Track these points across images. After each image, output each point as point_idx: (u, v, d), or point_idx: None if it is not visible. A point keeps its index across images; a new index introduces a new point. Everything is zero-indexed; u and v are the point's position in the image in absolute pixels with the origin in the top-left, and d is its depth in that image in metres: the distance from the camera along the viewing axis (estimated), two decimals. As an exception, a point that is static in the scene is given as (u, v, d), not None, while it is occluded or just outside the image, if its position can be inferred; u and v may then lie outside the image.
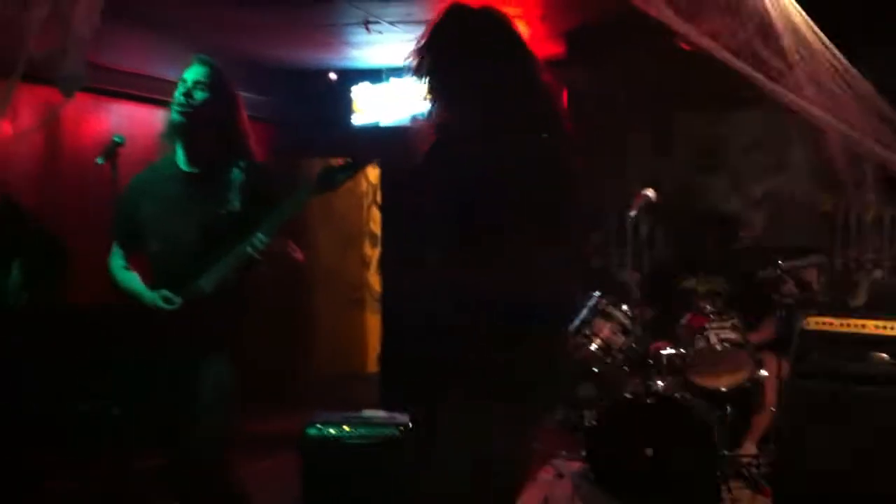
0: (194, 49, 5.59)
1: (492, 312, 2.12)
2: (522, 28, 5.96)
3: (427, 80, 2.29)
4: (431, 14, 5.59)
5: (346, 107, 7.13)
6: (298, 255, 3.31)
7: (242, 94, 3.38)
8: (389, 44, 6.11)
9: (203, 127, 3.18)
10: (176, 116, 3.16)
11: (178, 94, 3.17)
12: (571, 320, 2.20)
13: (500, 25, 2.32)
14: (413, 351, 2.29)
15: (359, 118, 7.12)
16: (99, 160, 3.31)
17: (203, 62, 3.25)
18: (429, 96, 2.29)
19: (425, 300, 2.25)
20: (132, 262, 3.38)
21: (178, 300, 3.14)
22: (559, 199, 2.23)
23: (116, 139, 3.36)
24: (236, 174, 3.20)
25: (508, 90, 2.24)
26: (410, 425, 3.89)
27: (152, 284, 3.24)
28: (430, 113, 2.31)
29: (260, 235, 3.04)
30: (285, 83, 7.28)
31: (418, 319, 2.29)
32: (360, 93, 7.13)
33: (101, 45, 3.08)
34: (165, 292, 3.16)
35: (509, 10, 5.50)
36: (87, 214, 4.91)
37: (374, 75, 7.05)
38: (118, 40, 5.32)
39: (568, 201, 2.26)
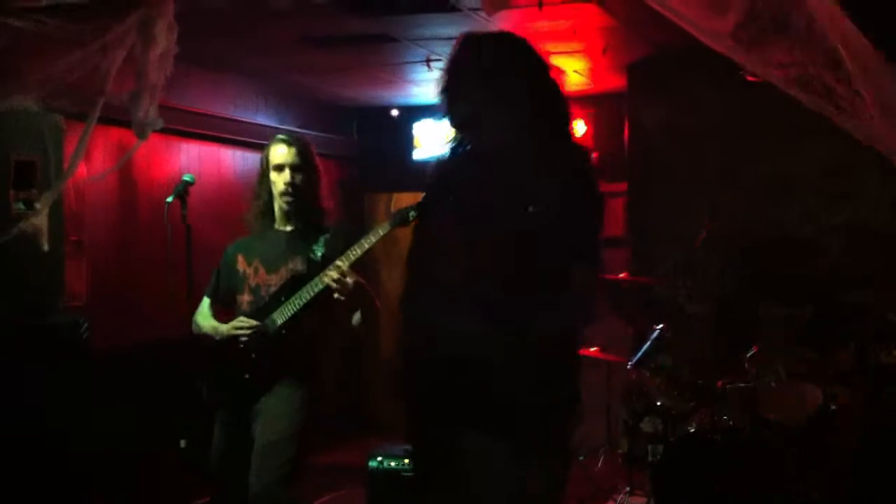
0: (260, 87, 5.76)
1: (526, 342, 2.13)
2: (583, 63, 5.95)
3: (450, 111, 2.34)
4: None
5: (408, 142, 7.22)
6: (372, 293, 3.38)
7: (310, 132, 3.53)
8: (451, 80, 6.18)
9: (302, 202, 3.45)
10: (284, 206, 3.44)
11: (280, 183, 3.41)
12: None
13: (515, 48, 2.35)
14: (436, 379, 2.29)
15: (420, 153, 7.19)
16: (169, 199, 3.45)
17: (292, 141, 3.47)
18: (454, 127, 2.34)
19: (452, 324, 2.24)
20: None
21: (253, 322, 3.31)
22: (594, 222, 2.27)
23: (187, 178, 3.51)
24: (322, 232, 3.42)
25: (529, 108, 2.26)
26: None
27: None
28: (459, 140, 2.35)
29: (338, 262, 3.16)
30: (351, 120, 7.42)
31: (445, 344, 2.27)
32: (422, 128, 7.22)
33: (172, 86, 3.22)
34: (241, 317, 3.35)
35: (572, 46, 5.56)
36: (160, 252, 5.06)
37: (436, 111, 7.12)
38: (189, 81, 5.48)
39: (599, 224, 2.30)
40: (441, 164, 2.46)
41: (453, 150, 2.39)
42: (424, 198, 2.55)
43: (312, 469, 3.54)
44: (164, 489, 4.64)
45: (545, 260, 2.18)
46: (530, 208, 2.17)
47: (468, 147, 2.35)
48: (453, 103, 2.33)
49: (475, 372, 2.16)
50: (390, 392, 2.68)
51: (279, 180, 3.41)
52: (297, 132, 4.03)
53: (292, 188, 3.40)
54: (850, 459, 4.30)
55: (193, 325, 3.53)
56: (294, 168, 3.41)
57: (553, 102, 2.34)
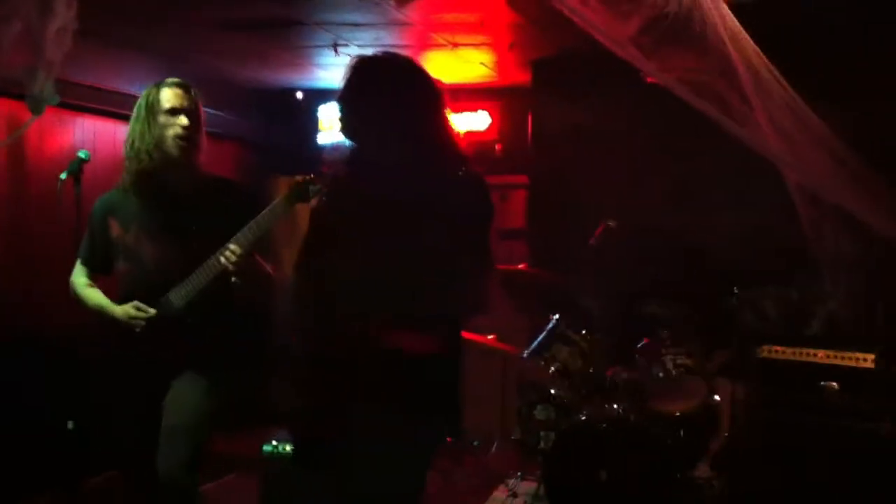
0: (163, 66, 5.61)
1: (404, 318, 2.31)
2: (490, 56, 6.03)
3: (343, 124, 2.55)
4: (399, 39, 5.67)
5: (313, 126, 7.17)
6: (269, 269, 3.33)
7: (213, 112, 3.42)
8: (358, 66, 6.16)
9: (191, 154, 3.22)
10: (177, 152, 3.18)
11: (175, 126, 3.17)
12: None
13: (399, 69, 2.57)
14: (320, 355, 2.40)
15: (324, 137, 7.15)
16: (62, 176, 3.32)
17: (185, 86, 3.27)
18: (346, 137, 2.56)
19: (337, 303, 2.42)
20: (96, 282, 3.39)
21: (150, 311, 3.16)
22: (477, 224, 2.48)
23: (82, 155, 3.38)
24: (204, 192, 3.23)
25: (410, 129, 2.49)
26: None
27: (119, 302, 3.24)
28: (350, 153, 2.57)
29: (231, 246, 3.05)
30: (254, 102, 7.31)
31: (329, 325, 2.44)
32: (327, 112, 7.18)
33: (71, 60, 3.10)
34: (137, 303, 3.17)
35: (479, 38, 5.62)
36: (52, 230, 4.90)
37: (341, 96, 7.10)
38: (85, 55, 5.30)
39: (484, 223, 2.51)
40: (340, 164, 2.64)
41: (350, 155, 2.59)
42: (327, 189, 2.67)
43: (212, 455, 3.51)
44: (52, 468, 4.53)
45: (433, 256, 2.34)
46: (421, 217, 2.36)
47: (360, 155, 2.56)
48: (343, 117, 2.56)
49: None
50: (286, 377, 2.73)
51: (175, 124, 3.15)
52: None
53: (188, 133, 3.16)
54: (728, 448, 4.51)
55: (72, 293, 3.34)
56: (190, 113, 3.19)
57: (434, 121, 2.58)
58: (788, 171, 2.46)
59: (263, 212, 3.08)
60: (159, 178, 3.22)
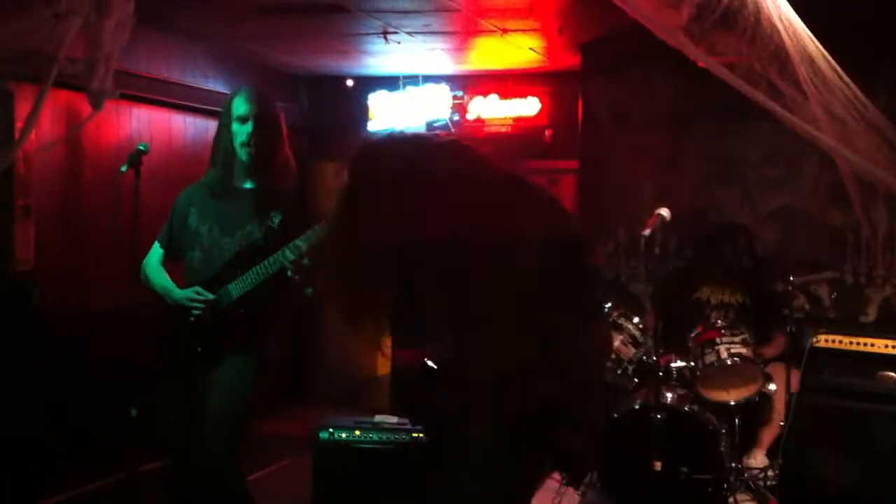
0: (212, 54, 5.66)
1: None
2: (539, 41, 5.99)
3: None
4: (448, 26, 5.64)
5: (362, 113, 7.20)
6: None
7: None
8: (406, 53, 6.18)
9: (265, 158, 3.40)
10: (245, 157, 3.38)
11: (242, 133, 3.35)
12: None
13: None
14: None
15: (374, 125, 7.18)
16: (123, 168, 3.43)
17: (254, 94, 3.42)
18: None
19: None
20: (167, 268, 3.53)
21: (209, 295, 3.31)
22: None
23: (141, 147, 3.48)
24: (281, 195, 3.40)
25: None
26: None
27: (183, 289, 3.40)
28: None
29: (297, 242, 3.19)
30: (302, 89, 7.37)
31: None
32: (377, 100, 7.20)
33: (125, 50, 3.18)
34: (198, 288, 3.34)
35: (528, 23, 5.59)
36: (110, 219, 5.01)
37: (391, 83, 7.13)
38: (140, 44, 5.39)
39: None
40: None
41: None
42: None
43: (262, 438, 3.58)
44: (112, 457, 4.65)
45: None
46: None
47: None
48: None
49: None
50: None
51: (241, 132, 3.36)
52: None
53: (255, 139, 3.35)
54: (782, 437, 4.47)
55: (141, 274, 3.50)
56: (257, 121, 3.36)
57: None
58: (840, 160, 2.42)
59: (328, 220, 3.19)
60: (233, 180, 3.43)
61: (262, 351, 3.41)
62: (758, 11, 2.47)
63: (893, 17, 3.80)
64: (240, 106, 3.38)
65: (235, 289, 3.32)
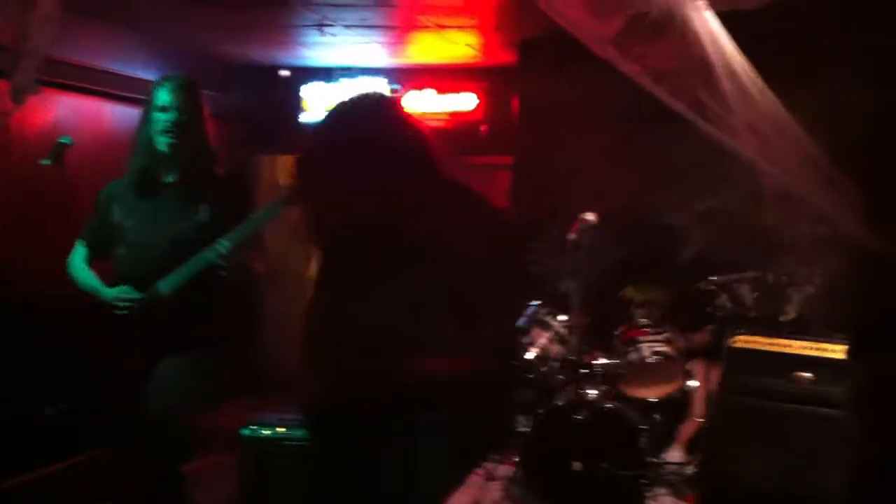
0: (145, 43, 5.53)
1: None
2: (476, 38, 6.00)
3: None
4: (385, 20, 5.61)
5: (296, 104, 7.15)
6: (258, 266, 3.39)
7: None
8: (342, 45, 6.16)
9: (186, 148, 3.30)
10: (164, 147, 3.28)
11: (162, 121, 3.26)
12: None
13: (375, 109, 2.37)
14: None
15: (307, 116, 7.15)
16: (45, 161, 3.36)
17: (178, 83, 3.33)
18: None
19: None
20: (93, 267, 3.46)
21: (136, 295, 3.25)
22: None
23: (63, 140, 3.40)
24: (207, 187, 3.33)
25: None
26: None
27: (113, 287, 3.33)
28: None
29: (224, 242, 3.14)
30: (237, 80, 7.28)
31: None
32: (311, 91, 7.17)
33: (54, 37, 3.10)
34: (126, 288, 3.26)
35: (464, 20, 5.61)
36: (36, 211, 4.89)
37: (327, 75, 7.10)
38: (68, 32, 5.25)
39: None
40: None
41: None
42: None
43: (203, 434, 3.54)
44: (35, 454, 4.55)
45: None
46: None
47: None
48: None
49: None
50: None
51: (161, 120, 3.25)
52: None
53: (174, 127, 3.25)
54: (701, 433, 4.60)
55: (68, 270, 3.43)
56: (180, 109, 3.27)
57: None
58: (762, 174, 2.51)
59: (258, 211, 3.18)
60: (156, 172, 3.34)
61: (204, 350, 3.33)
62: (685, 25, 2.53)
63: (819, 32, 3.92)
64: (161, 94, 3.28)
65: (165, 286, 3.25)
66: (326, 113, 2.34)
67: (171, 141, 3.26)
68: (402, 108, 2.43)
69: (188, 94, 3.31)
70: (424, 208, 2.22)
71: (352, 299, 2.26)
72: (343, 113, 2.32)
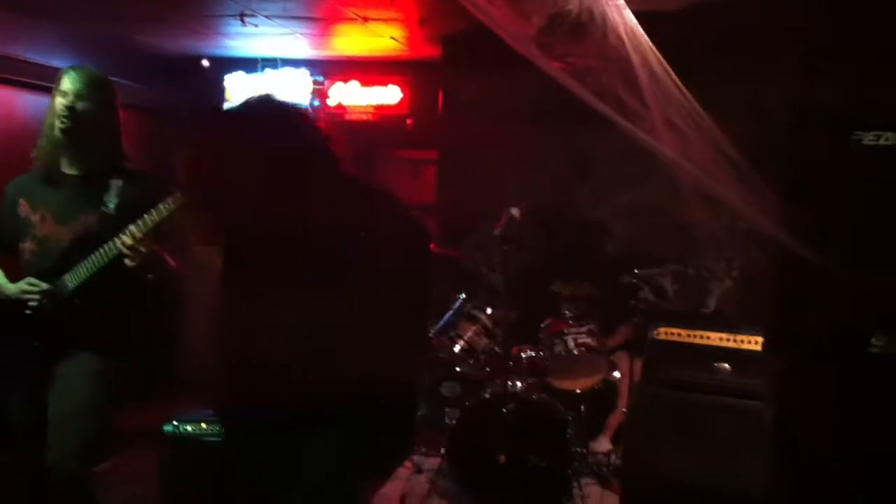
0: (59, 31, 5.39)
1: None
2: (400, 31, 5.99)
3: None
4: (308, 11, 5.56)
5: (218, 94, 7.04)
6: (171, 262, 3.30)
7: (115, 80, 3.34)
8: (265, 36, 6.08)
9: (85, 136, 3.19)
10: (58, 132, 3.17)
11: (59, 106, 3.16)
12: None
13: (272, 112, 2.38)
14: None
15: (230, 105, 7.02)
16: None
17: (81, 71, 3.22)
18: None
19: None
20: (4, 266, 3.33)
21: (43, 285, 3.15)
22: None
23: None
24: (114, 179, 3.22)
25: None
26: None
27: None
28: None
29: (127, 231, 3.05)
30: (158, 70, 7.12)
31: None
32: (234, 81, 7.06)
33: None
34: (31, 279, 3.16)
35: (389, 14, 5.58)
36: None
37: (250, 65, 7.00)
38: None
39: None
40: None
41: None
42: None
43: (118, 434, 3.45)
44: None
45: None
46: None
47: None
48: None
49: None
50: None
51: (61, 108, 3.13)
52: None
53: (70, 113, 3.13)
54: (626, 423, 4.67)
55: None
56: (79, 95, 3.15)
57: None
58: (680, 171, 2.55)
59: (165, 201, 3.06)
60: (59, 164, 3.25)
61: (114, 347, 3.23)
62: (605, 23, 2.56)
63: (741, 34, 4.00)
64: (64, 81, 3.18)
65: (71, 280, 3.15)
66: (213, 115, 2.32)
67: (64, 126, 3.15)
68: (298, 109, 2.42)
69: (91, 83, 3.20)
70: (323, 207, 2.20)
71: (251, 301, 2.25)
72: (230, 114, 2.31)
